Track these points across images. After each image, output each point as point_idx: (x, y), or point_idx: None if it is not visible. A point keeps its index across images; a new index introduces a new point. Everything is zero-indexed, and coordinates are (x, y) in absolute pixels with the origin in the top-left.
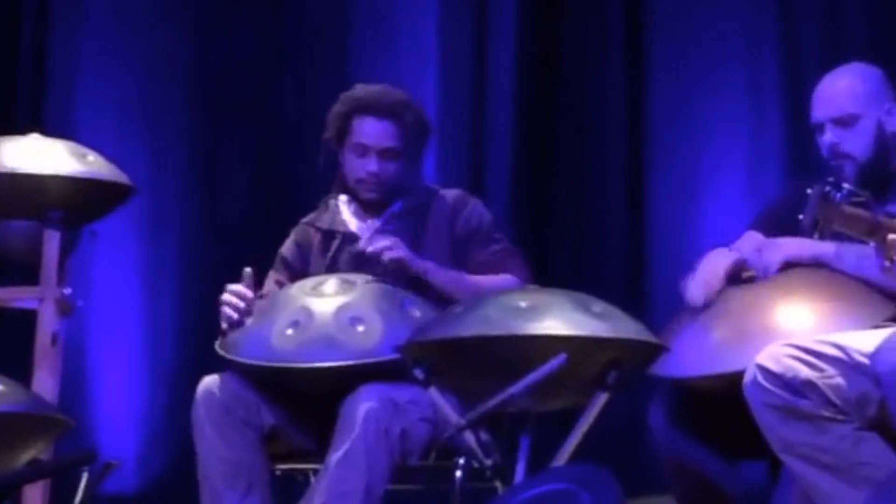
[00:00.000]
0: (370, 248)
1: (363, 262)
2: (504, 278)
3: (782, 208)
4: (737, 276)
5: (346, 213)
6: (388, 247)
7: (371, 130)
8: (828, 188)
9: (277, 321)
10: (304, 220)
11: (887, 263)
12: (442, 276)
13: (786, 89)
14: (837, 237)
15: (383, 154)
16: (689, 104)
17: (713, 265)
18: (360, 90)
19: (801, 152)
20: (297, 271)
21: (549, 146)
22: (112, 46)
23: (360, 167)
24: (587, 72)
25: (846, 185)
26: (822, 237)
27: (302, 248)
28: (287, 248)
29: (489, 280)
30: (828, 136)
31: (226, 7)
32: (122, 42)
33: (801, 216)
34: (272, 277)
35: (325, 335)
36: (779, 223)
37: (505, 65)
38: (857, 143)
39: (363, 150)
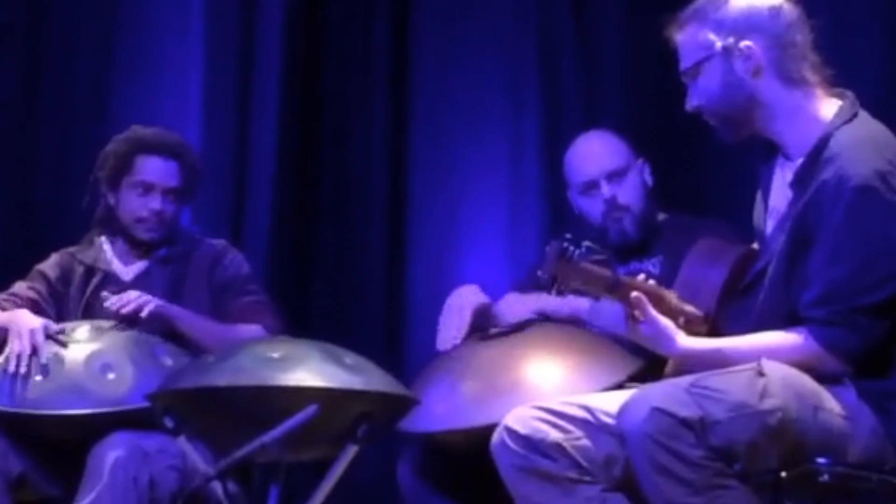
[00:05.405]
0: (124, 311)
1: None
2: (252, 328)
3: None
4: (485, 330)
5: (110, 252)
6: (144, 302)
7: (157, 169)
8: (566, 244)
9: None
10: (67, 250)
11: (631, 321)
12: (191, 322)
13: (545, 144)
14: (578, 294)
15: (167, 193)
16: (450, 158)
17: (458, 307)
18: (140, 130)
19: (559, 208)
20: (57, 291)
21: (310, 197)
22: None
23: (141, 205)
24: (350, 123)
25: (586, 243)
26: (560, 293)
27: (65, 274)
28: (49, 266)
29: (237, 329)
30: (605, 191)
31: None
32: None
33: (539, 272)
34: (24, 285)
35: (75, 383)
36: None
37: (268, 114)
38: (632, 195)
39: (147, 188)
